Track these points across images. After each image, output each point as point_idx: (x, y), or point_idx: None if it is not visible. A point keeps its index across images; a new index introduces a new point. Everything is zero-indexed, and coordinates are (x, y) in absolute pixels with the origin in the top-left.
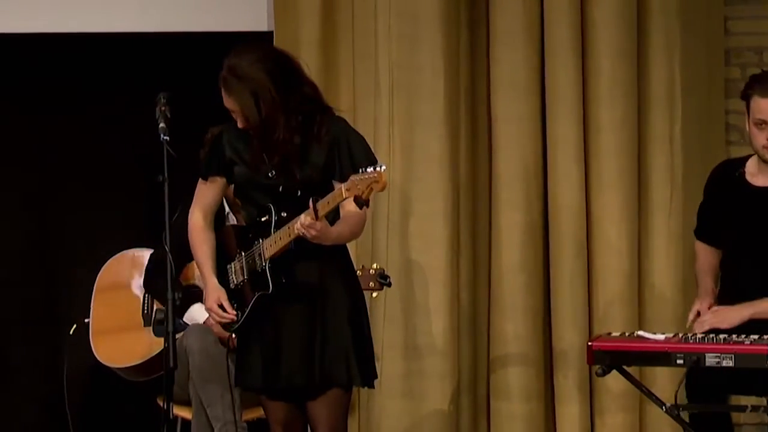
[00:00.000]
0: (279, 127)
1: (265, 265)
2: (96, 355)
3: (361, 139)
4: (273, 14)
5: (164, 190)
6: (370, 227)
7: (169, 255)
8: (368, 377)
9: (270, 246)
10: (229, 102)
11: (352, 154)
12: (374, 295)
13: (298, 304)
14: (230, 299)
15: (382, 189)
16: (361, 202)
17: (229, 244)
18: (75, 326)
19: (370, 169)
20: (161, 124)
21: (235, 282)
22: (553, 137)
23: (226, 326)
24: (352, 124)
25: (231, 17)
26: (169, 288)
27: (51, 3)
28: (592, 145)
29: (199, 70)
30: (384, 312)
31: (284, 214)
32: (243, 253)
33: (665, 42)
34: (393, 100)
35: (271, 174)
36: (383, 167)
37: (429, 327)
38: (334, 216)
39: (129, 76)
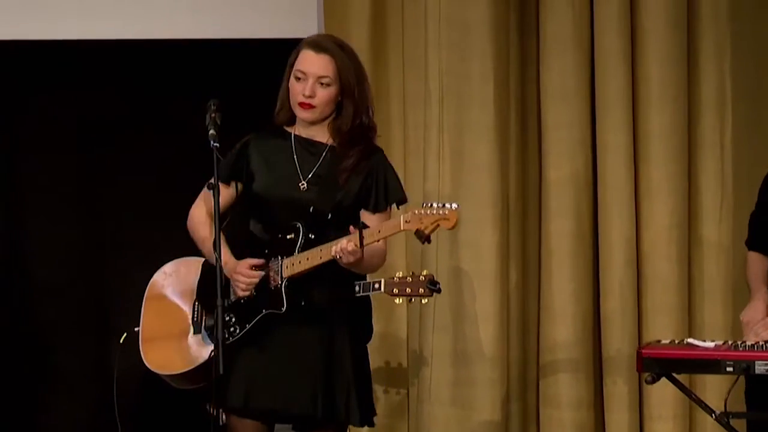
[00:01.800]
0: (348, 118)
1: (281, 284)
2: (145, 363)
3: (396, 174)
4: (323, 21)
5: (215, 196)
6: None
7: (219, 261)
8: (366, 415)
9: (292, 265)
10: (328, 68)
11: (387, 187)
12: (424, 301)
13: (304, 328)
14: (230, 312)
15: (452, 228)
16: (423, 237)
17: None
18: (125, 335)
19: (437, 205)
20: (211, 131)
21: (240, 295)
22: (602, 144)
23: (226, 338)
24: (401, 131)
25: (280, 24)
26: (219, 294)
27: (106, 11)
28: (641, 152)
29: (249, 76)
30: (433, 319)
31: (312, 236)
32: (255, 269)
33: (715, 48)
34: (443, 107)
35: (302, 186)
36: (456, 206)
37: (478, 334)
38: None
39: (181, 82)
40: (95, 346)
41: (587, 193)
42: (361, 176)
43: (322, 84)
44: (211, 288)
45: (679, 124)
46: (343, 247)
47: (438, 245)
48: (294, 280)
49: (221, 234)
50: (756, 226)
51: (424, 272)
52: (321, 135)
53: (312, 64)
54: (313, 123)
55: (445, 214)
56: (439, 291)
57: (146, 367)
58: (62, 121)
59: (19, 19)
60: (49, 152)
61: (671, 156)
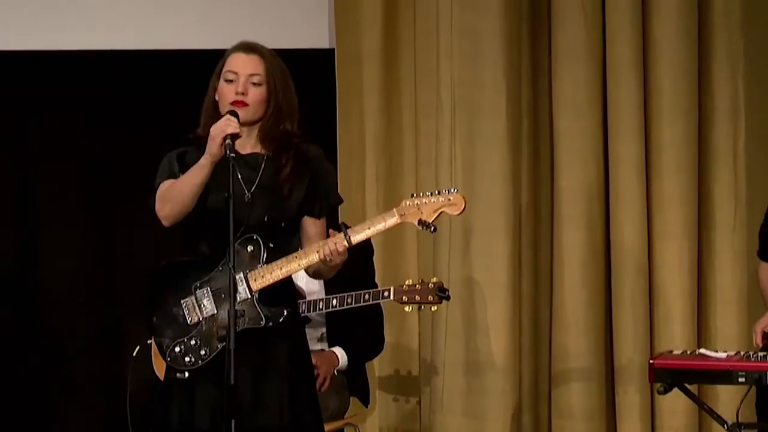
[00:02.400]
0: (272, 119)
1: (253, 298)
2: (157, 374)
3: (334, 174)
4: (334, 31)
5: (229, 206)
6: (431, 243)
7: (232, 272)
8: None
9: (262, 277)
10: (259, 67)
11: (328, 193)
12: (433, 308)
13: (270, 343)
14: (187, 336)
15: (460, 214)
16: (429, 226)
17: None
18: (138, 347)
19: (431, 193)
20: (227, 141)
21: (199, 317)
22: (614, 154)
23: (193, 362)
24: (413, 141)
25: (292, 34)
26: (232, 305)
27: (110, 21)
28: (654, 162)
29: None
30: (445, 328)
31: (272, 245)
32: (209, 288)
33: (728, 58)
34: (455, 116)
35: (248, 198)
36: (457, 190)
37: (490, 344)
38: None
39: (192, 93)
40: (107, 356)
41: (599, 202)
42: (304, 184)
43: (253, 83)
44: (161, 323)
45: (692, 134)
46: (332, 249)
47: (450, 254)
48: (263, 293)
49: None
50: (766, 236)
51: (434, 279)
52: (252, 146)
53: (243, 63)
54: (243, 125)
55: (449, 200)
56: (448, 298)
57: (159, 378)
58: (73, 132)
59: (27, 30)
60: (59, 164)
61: (684, 165)
